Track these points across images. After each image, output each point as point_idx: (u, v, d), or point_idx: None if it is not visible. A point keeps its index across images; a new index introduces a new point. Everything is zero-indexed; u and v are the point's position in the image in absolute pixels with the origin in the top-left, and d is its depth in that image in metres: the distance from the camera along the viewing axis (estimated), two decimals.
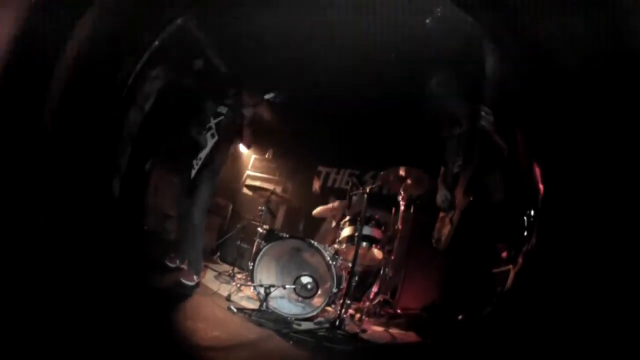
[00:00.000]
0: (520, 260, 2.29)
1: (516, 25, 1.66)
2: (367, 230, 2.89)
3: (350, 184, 3.18)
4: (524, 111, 2.11)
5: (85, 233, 1.90)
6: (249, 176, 4.03)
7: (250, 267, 2.83)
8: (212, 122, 3.01)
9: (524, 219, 2.36)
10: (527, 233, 2.31)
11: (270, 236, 2.96)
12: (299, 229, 3.77)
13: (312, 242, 2.84)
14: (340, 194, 3.90)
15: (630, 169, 1.33)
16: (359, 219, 2.87)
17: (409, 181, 3.08)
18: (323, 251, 2.76)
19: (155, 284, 2.68)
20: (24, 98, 1.46)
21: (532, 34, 1.61)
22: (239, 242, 3.54)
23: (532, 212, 2.27)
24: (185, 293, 2.66)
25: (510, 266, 2.44)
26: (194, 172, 2.91)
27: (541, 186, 1.95)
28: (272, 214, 3.28)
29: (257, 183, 3.75)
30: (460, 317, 2.44)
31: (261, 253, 2.84)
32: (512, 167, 2.46)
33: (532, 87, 1.78)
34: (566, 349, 1.39)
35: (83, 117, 1.82)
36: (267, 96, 3.19)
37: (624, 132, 1.35)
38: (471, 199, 2.47)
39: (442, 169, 2.82)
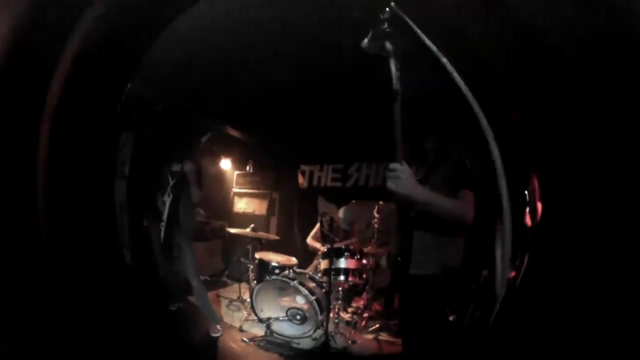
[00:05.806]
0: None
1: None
2: (342, 263, 3.06)
3: (320, 219, 3.22)
4: None
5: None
6: (235, 193, 4.14)
7: (250, 302, 3.23)
8: (172, 182, 3.08)
9: None
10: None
11: (260, 275, 3.27)
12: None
13: (292, 281, 3.04)
14: (326, 192, 3.96)
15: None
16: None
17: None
18: (302, 288, 3.00)
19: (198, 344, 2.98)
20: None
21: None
22: (241, 259, 3.90)
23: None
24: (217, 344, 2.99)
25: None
26: (162, 234, 3.06)
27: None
28: (260, 243, 3.51)
29: (241, 211, 3.90)
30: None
31: (255, 291, 3.19)
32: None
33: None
34: None
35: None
36: (203, 138, 3.10)
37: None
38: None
39: None
